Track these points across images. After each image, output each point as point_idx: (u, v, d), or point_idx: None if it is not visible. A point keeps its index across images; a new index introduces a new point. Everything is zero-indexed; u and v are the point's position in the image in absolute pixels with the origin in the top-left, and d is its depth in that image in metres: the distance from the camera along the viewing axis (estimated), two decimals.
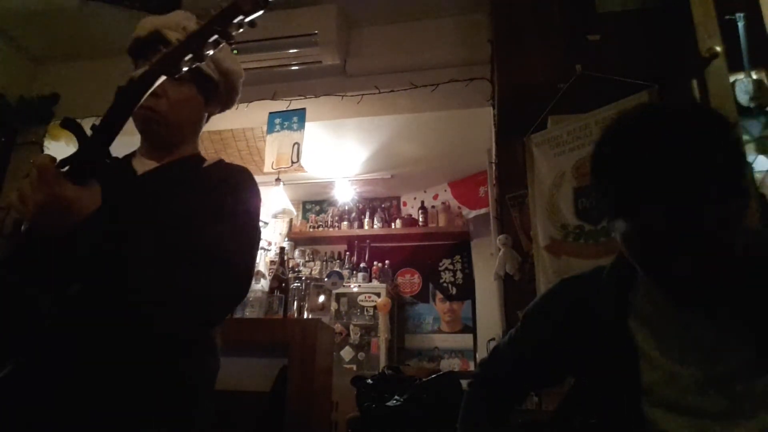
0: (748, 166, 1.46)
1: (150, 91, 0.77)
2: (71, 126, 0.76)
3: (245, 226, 1.00)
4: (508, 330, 2.17)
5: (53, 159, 0.76)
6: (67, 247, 0.77)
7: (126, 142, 0.98)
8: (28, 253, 0.81)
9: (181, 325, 0.88)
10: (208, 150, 3.69)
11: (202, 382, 0.97)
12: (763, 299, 0.77)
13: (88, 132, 0.76)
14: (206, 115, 1.19)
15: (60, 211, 0.75)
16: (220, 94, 1.16)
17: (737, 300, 0.78)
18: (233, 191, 1.02)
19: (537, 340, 1.00)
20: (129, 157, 1.11)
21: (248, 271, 0.98)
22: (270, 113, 3.24)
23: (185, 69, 0.75)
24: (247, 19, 0.70)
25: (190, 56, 0.73)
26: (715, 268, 0.74)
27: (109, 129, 0.76)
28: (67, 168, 0.76)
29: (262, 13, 0.70)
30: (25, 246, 0.80)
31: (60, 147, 3.36)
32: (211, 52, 0.74)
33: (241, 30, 0.72)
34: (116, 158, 1.10)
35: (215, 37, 0.71)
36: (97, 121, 0.75)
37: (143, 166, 1.07)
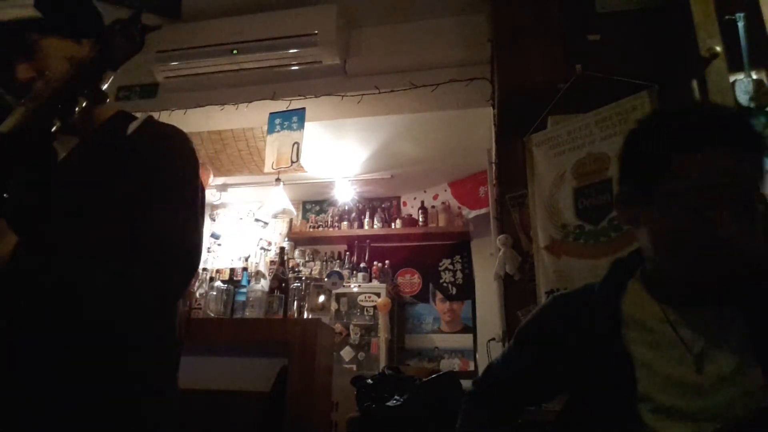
0: None
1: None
2: None
3: (188, 201, 0.93)
4: (508, 330, 2.18)
5: None
6: None
7: None
8: None
9: (144, 310, 0.85)
10: (208, 150, 3.69)
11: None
12: (757, 297, 0.77)
13: None
14: None
15: None
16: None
17: (731, 300, 0.78)
18: (168, 160, 0.94)
19: (530, 357, 1.00)
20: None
21: (196, 249, 0.92)
22: (270, 113, 3.24)
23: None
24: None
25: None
26: (757, 244, 0.74)
27: None
28: None
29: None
30: None
31: None
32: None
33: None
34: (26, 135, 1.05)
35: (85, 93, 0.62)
36: None
37: (63, 146, 0.94)
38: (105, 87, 0.65)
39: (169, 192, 0.91)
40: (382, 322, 4.16)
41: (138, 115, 1.00)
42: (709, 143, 0.76)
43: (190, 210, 0.93)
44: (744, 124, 0.79)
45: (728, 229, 0.72)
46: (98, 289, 0.78)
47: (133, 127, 0.96)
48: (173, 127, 1.02)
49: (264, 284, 2.56)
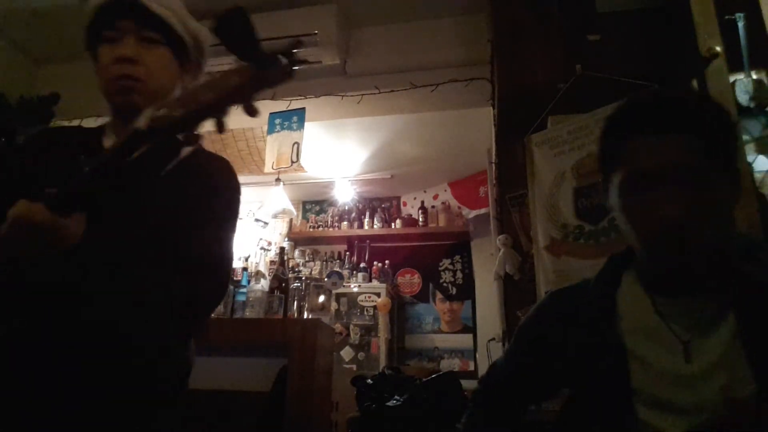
0: (742, 157, 1.48)
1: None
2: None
3: (229, 228, 0.99)
4: (508, 330, 2.18)
5: (48, 206, 0.69)
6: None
7: None
8: None
9: (169, 330, 0.87)
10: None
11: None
12: (745, 289, 0.77)
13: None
14: (180, 84, 1.09)
15: (45, 246, 0.70)
16: (191, 58, 1.08)
17: (720, 292, 0.78)
18: (218, 190, 1.00)
19: (531, 355, 1.00)
20: (99, 134, 1.03)
21: (229, 274, 0.99)
22: (270, 113, 3.24)
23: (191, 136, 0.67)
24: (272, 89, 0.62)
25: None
26: (699, 222, 0.75)
27: (106, 170, 0.68)
28: (54, 191, 0.69)
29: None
30: None
31: None
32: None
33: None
34: (85, 133, 1.06)
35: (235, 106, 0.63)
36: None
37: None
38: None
39: (221, 217, 0.97)
40: (382, 322, 4.16)
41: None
42: (646, 129, 0.80)
43: (231, 235, 1.00)
44: (686, 107, 0.81)
45: (667, 209, 0.75)
46: (144, 301, 0.82)
47: (186, 152, 0.97)
48: (221, 157, 1.08)
49: (264, 284, 2.56)
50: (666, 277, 0.83)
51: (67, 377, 0.79)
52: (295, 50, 0.61)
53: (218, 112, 0.64)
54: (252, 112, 0.62)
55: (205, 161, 1.04)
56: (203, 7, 1.16)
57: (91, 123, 3.40)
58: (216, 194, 0.99)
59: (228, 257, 0.98)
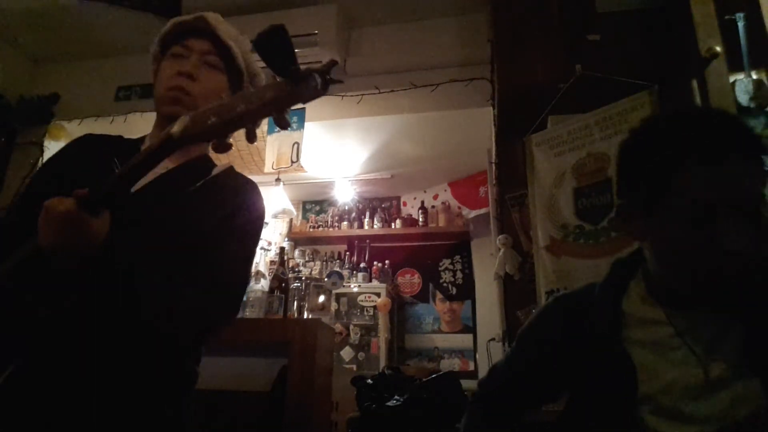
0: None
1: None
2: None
3: (250, 249, 1.01)
4: (508, 330, 2.18)
5: (76, 201, 0.72)
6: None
7: None
8: (28, 262, 0.79)
9: (178, 339, 0.89)
10: None
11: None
12: (753, 301, 0.77)
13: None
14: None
15: (75, 244, 0.73)
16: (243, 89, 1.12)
17: (729, 303, 0.78)
18: (244, 211, 1.02)
19: (533, 358, 1.00)
20: (138, 144, 1.07)
21: (242, 294, 1.01)
22: None
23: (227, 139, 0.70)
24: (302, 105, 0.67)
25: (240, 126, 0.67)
26: (758, 251, 0.73)
27: (137, 172, 0.70)
28: (85, 191, 0.72)
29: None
30: (25, 254, 0.79)
31: (60, 147, 3.36)
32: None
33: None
34: (125, 143, 1.09)
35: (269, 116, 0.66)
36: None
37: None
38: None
39: (236, 237, 0.97)
40: (382, 322, 4.16)
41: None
42: (709, 157, 0.74)
43: (250, 258, 1.02)
44: (742, 130, 0.77)
45: (733, 241, 0.71)
46: (171, 320, 0.85)
47: (216, 171, 1.01)
48: (250, 180, 1.10)
49: (264, 284, 2.56)
50: (688, 295, 0.81)
51: (77, 377, 0.82)
52: (330, 69, 0.63)
53: (250, 122, 0.67)
54: (284, 124, 0.65)
55: (234, 181, 1.06)
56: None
57: (90, 123, 3.43)
58: (239, 213, 1.00)
59: (243, 276, 1.00)
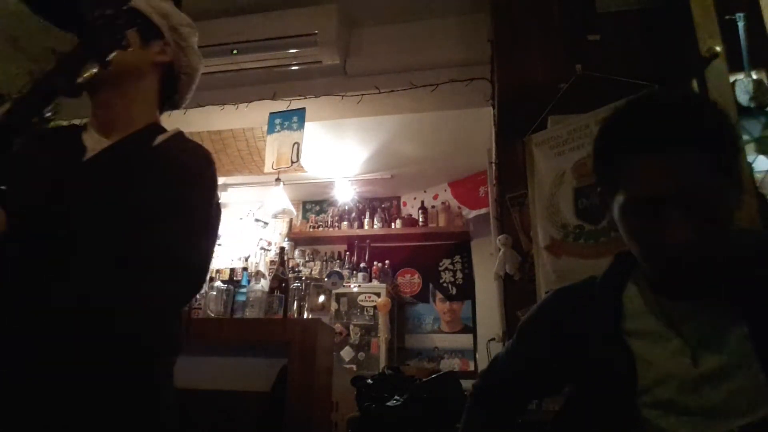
0: (742, 160, 1.46)
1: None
2: None
3: (202, 221, 0.94)
4: (508, 330, 2.18)
5: None
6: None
7: None
8: None
9: (133, 326, 0.85)
10: None
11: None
12: (757, 293, 0.76)
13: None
14: (158, 77, 1.06)
15: None
16: (170, 47, 1.06)
17: (730, 295, 0.78)
18: (191, 182, 0.96)
19: (534, 351, 1.00)
20: (80, 130, 1.01)
21: (203, 270, 0.95)
22: (270, 113, 3.24)
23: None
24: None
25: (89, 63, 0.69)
26: (708, 242, 0.73)
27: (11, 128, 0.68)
28: None
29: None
30: None
31: None
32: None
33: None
34: (65, 128, 1.06)
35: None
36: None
37: (94, 142, 0.97)
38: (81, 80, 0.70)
39: (184, 209, 0.91)
40: (382, 322, 4.16)
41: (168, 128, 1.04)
42: (649, 146, 0.74)
43: (202, 230, 0.94)
44: (691, 120, 0.74)
45: (673, 234, 0.71)
46: (123, 306, 0.81)
47: (160, 139, 0.98)
48: (199, 145, 1.04)
49: (264, 284, 2.56)
50: (673, 285, 0.82)
51: (48, 354, 0.79)
52: (121, 17, 0.68)
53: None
54: (75, 91, 0.69)
55: (179, 149, 1.00)
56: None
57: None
58: (186, 184, 0.94)
59: (199, 252, 0.92)
